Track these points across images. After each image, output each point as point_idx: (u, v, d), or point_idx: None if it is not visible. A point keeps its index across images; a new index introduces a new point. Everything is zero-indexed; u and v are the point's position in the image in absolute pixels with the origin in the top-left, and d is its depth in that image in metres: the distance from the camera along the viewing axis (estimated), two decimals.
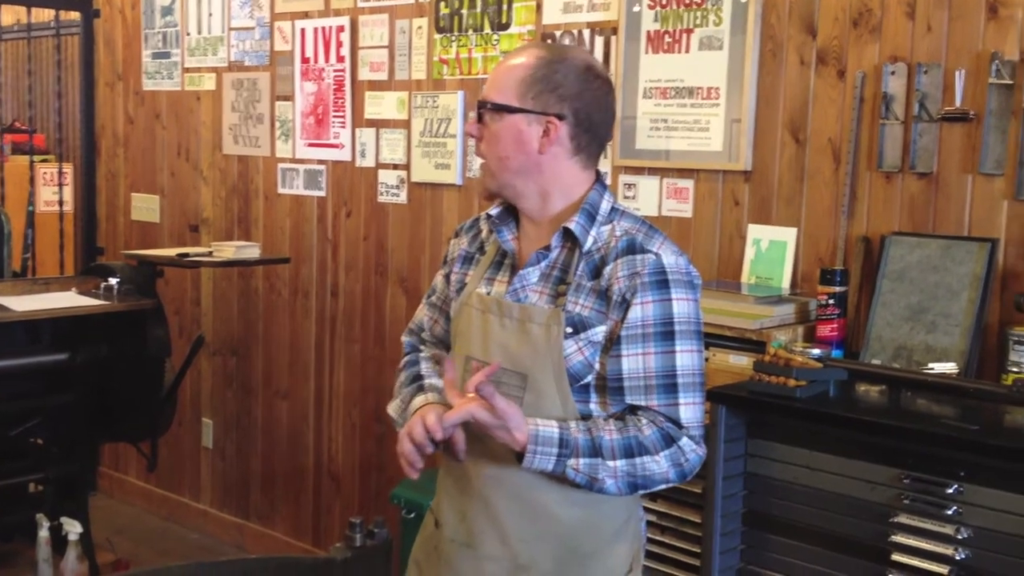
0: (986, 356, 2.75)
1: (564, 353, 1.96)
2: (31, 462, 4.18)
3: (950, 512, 2.31)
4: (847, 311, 2.94)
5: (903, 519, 2.37)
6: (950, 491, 2.31)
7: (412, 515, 3.58)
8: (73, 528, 3.93)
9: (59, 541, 3.99)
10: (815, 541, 2.52)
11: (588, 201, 2.03)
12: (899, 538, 2.37)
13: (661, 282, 1.95)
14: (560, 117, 2.00)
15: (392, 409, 2.20)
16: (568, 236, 2.02)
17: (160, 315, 4.03)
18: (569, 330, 1.96)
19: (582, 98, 2.01)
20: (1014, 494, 2.23)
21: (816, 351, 2.74)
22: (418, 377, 2.17)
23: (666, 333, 1.95)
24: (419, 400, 2.09)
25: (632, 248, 1.97)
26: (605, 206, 2.04)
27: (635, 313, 1.94)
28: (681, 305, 1.96)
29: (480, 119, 2.05)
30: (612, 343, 1.96)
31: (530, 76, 2.00)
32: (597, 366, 1.97)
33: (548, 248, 2.02)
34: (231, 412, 5.06)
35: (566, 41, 3.64)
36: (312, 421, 4.69)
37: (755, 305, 2.93)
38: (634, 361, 1.95)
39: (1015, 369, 2.59)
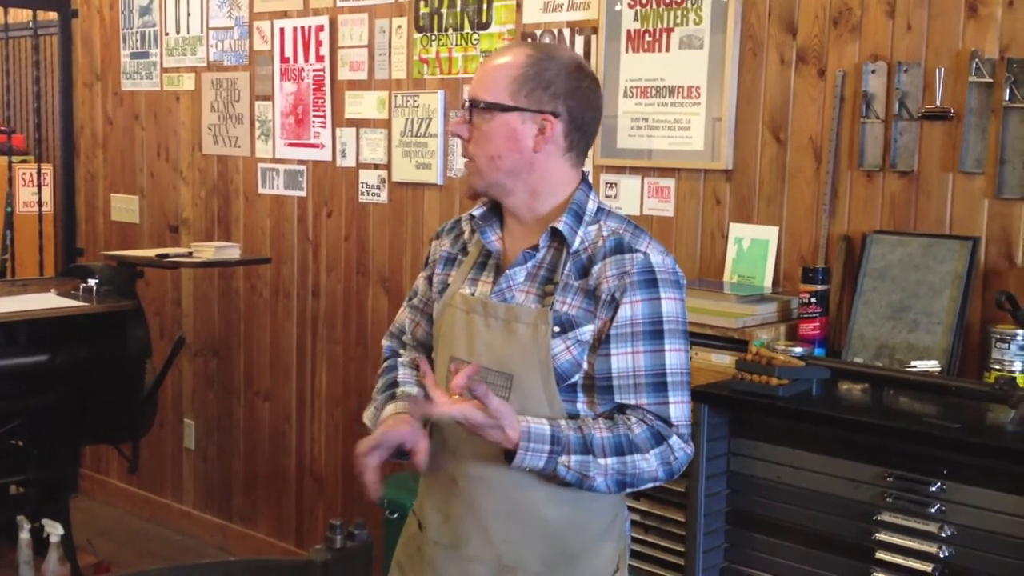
0: (968, 354, 2.76)
1: (552, 352, 1.95)
2: (11, 464, 4.15)
3: (933, 510, 2.31)
4: (829, 309, 2.94)
5: (887, 517, 2.38)
6: (933, 489, 2.31)
7: (395, 515, 3.58)
8: (54, 530, 3.91)
9: (40, 543, 3.98)
10: (799, 540, 2.53)
11: (575, 201, 2.03)
12: (883, 536, 2.38)
13: (650, 281, 1.96)
14: (555, 115, 2.00)
15: (367, 417, 2.18)
16: (556, 236, 2.02)
17: (140, 316, 4.01)
18: (557, 329, 1.96)
19: (574, 96, 2.01)
20: (997, 492, 2.24)
21: (798, 349, 2.74)
22: (393, 384, 2.16)
23: (655, 332, 1.96)
24: (390, 409, 2.08)
25: (620, 248, 1.97)
26: (591, 206, 2.04)
27: (624, 312, 1.94)
28: (669, 304, 1.97)
29: (468, 119, 2.03)
30: (600, 342, 1.96)
31: (521, 74, 1.99)
32: (585, 365, 1.97)
33: (536, 248, 2.02)
34: (213, 413, 5.04)
35: (546, 40, 3.63)
36: (294, 422, 4.67)
37: (737, 304, 2.93)
38: (623, 360, 1.95)
39: (997, 367, 2.60)
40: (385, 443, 1.99)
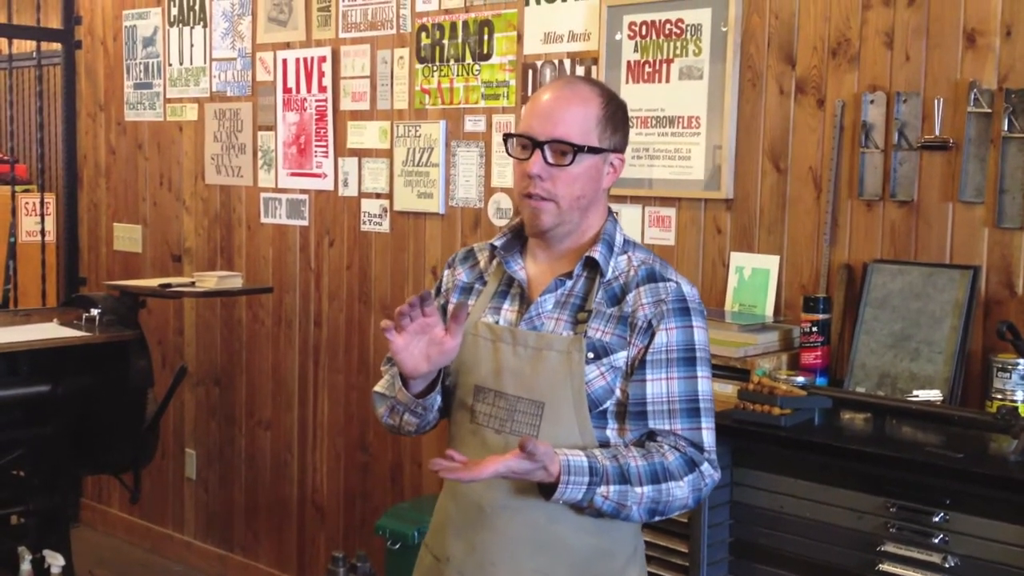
0: (970, 383, 2.76)
1: (586, 378, 1.97)
2: (13, 494, 4.14)
3: (936, 540, 2.31)
4: (830, 339, 2.95)
5: (890, 548, 2.37)
6: (936, 519, 2.31)
7: (397, 546, 3.57)
8: (55, 561, 3.90)
9: (41, 574, 3.96)
10: (803, 570, 2.52)
11: (606, 232, 2.07)
12: (887, 567, 2.37)
13: (683, 310, 2.00)
14: (623, 152, 2.08)
15: (380, 386, 2.17)
16: (588, 265, 2.04)
17: (142, 346, 4.01)
18: (591, 355, 1.98)
19: (627, 133, 2.10)
20: (1000, 522, 2.24)
21: (800, 379, 2.75)
22: None
23: (688, 359, 1.99)
24: None
25: (653, 277, 2.02)
26: (619, 238, 2.09)
27: (661, 339, 1.98)
28: (700, 333, 2.02)
29: (547, 159, 2.00)
30: (634, 369, 1.98)
31: (605, 116, 2.03)
32: (618, 392, 1.99)
33: (569, 275, 2.04)
34: (214, 443, 5.03)
35: (547, 72, 3.66)
36: (296, 451, 4.67)
37: (739, 333, 2.93)
38: (658, 385, 1.98)
39: (999, 396, 2.60)
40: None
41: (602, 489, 1.89)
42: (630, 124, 2.15)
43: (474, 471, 1.84)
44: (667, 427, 1.98)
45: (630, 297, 2.00)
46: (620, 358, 1.99)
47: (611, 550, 2.05)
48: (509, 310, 2.08)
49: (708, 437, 2.00)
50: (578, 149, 1.99)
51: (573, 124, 2.00)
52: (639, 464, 1.92)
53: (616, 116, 2.05)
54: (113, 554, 5.28)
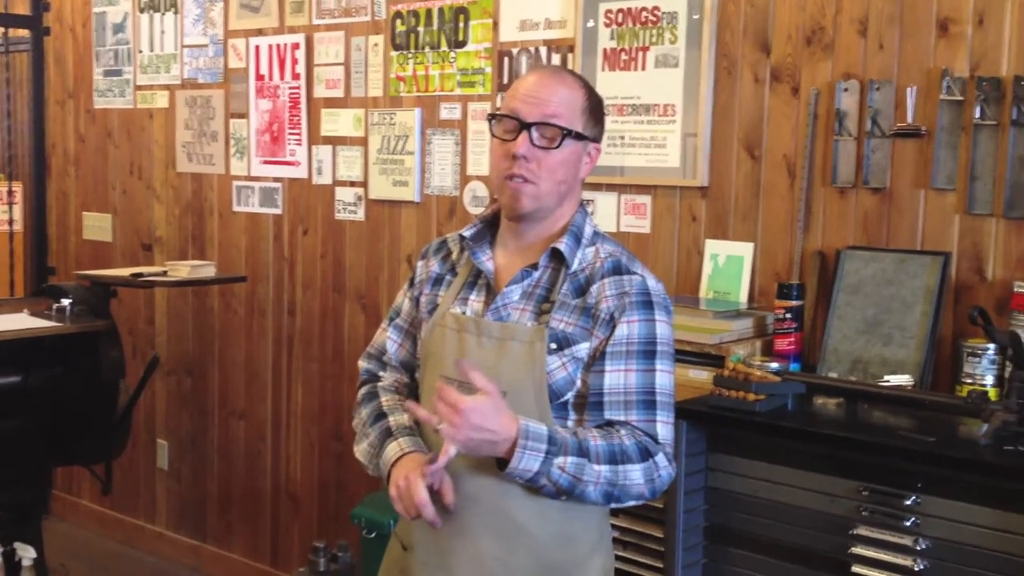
0: (940, 368, 2.79)
1: (547, 369, 1.98)
2: None
3: (908, 523, 2.33)
4: (804, 325, 2.97)
5: (863, 531, 2.40)
6: (908, 502, 2.34)
7: (373, 535, 3.56)
8: (27, 553, 3.87)
9: (12, 567, 3.93)
10: (776, 554, 2.54)
11: (575, 224, 2.08)
12: (859, 550, 2.40)
13: (646, 303, 2.01)
14: (600, 143, 2.11)
15: (361, 454, 2.16)
16: (554, 256, 2.05)
17: (114, 336, 3.98)
18: (553, 346, 1.98)
19: (604, 126, 2.14)
20: (971, 504, 2.27)
21: (774, 365, 2.77)
22: (381, 414, 2.14)
23: (648, 352, 2.00)
24: (393, 448, 2.06)
25: (618, 269, 2.03)
26: (589, 230, 2.09)
27: (621, 331, 1.99)
28: (662, 327, 2.02)
29: (532, 141, 2.01)
30: (595, 360, 1.99)
31: (588, 105, 2.06)
32: (579, 383, 2.00)
33: (535, 266, 2.05)
34: (186, 433, 5.01)
35: (523, 60, 3.65)
36: (270, 441, 4.65)
37: (714, 320, 2.95)
38: (616, 377, 1.98)
39: (969, 381, 2.63)
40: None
41: (559, 460, 1.89)
42: (606, 112, 2.18)
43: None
44: (622, 418, 1.99)
45: (594, 288, 2.01)
46: (582, 349, 1.99)
47: (575, 537, 2.05)
48: (476, 300, 2.09)
49: (663, 430, 2.00)
50: (567, 132, 2.01)
51: (562, 107, 2.02)
52: (598, 443, 1.93)
53: (596, 108, 2.09)
54: (85, 546, 5.24)
